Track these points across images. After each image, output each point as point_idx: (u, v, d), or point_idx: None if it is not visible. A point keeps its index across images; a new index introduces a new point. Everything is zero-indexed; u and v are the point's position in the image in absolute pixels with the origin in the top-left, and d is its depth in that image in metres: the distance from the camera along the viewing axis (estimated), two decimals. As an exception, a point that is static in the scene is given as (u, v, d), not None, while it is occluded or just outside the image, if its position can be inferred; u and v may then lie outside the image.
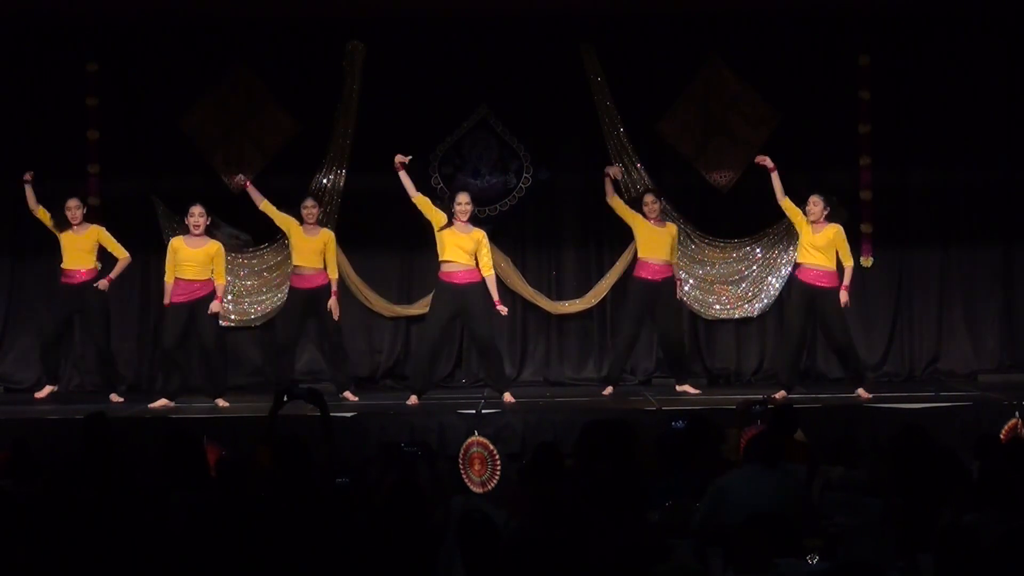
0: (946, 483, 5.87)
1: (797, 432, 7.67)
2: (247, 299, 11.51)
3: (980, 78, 11.62)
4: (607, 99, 11.48)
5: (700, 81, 11.62)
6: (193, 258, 10.30)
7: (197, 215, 10.32)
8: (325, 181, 11.44)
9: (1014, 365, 11.62)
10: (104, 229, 10.63)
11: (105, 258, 10.73)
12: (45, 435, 9.02)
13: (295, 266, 10.64)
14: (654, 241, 10.64)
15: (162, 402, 10.38)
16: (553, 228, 11.80)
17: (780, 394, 10.28)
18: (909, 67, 11.65)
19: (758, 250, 11.64)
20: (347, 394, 10.56)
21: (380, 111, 11.49)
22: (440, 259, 10.28)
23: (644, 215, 10.66)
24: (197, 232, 10.33)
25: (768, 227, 11.58)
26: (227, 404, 10.30)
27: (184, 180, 11.49)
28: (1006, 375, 11.44)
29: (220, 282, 10.41)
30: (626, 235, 11.23)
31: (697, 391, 10.72)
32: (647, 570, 4.75)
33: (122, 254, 10.61)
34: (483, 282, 10.26)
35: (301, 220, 10.58)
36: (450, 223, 10.20)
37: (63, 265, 10.56)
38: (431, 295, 10.69)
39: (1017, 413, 8.80)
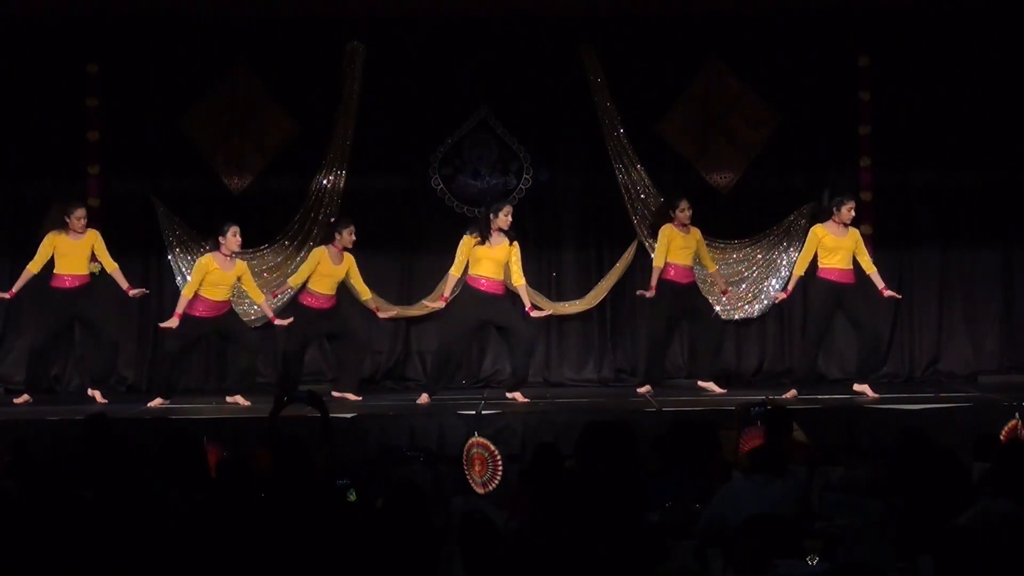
0: (946, 484, 5.87)
1: (797, 432, 7.67)
2: (247, 300, 11.49)
3: (980, 78, 11.62)
4: (607, 99, 11.48)
5: (700, 82, 11.61)
6: (224, 280, 10.22)
7: (230, 234, 10.18)
8: (325, 182, 11.44)
9: (1014, 366, 11.61)
10: (99, 235, 10.48)
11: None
12: (45, 436, 9.03)
13: (310, 289, 10.55)
14: (683, 247, 10.69)
15: (158, 401, 10.38)
16: (553, 229, 11.79)
17: (791, 393, 10.33)
18: (909, 67, 11.65)
19: (758, 251, 11.63)
20: (349, 396, 10.53)
21: (380, 112, 11.50)
22: (470, 271, 10.32)
23: (676, 220, 10.67)
24: (227, 253, 10.23)
25: (768, 228, 11.58)
26: (248, 403, 10.28)
27: (184, 181, 11.50)
28: (1006, 376, 11.44)
29: (260, 300, 10.47)
30: (626, 236, 11.22)
31: (723, 391, 10.73)
32: (646, 571, 4.75)
33: (111, 265, 10.45)
34: (506, 291, 10.36)
35: (332, 242, 10.51)
36: (483, 240, 10.22)
37: (56, 270, 10.40)
38: (432, 291, 10.70)
39: (1017, 414, 8.76)
